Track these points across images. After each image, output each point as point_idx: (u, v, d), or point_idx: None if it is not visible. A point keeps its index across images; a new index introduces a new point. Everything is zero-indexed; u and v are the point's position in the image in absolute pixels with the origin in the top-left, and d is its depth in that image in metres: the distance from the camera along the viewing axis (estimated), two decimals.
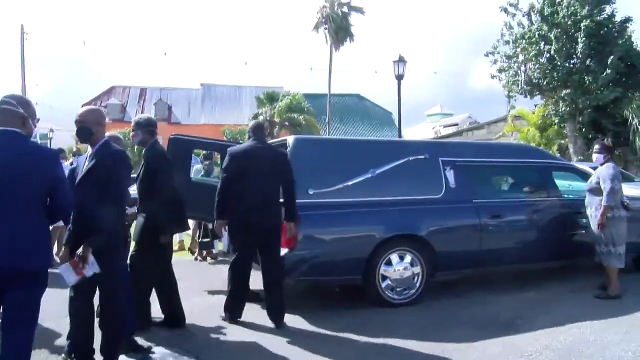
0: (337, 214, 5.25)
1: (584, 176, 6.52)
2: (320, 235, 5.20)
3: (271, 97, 34.53)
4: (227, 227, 5.02)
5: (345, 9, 28.58)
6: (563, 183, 6.92)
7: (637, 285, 6.06)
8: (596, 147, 6.00)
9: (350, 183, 5.36)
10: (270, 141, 6.10)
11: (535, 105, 18.43)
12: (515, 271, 6.49)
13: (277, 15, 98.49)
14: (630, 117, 15.03)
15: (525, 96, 17.65)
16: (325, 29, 28.34)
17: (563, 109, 16.30)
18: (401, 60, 14.38)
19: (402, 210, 5.46)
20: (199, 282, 6.66)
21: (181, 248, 9.32)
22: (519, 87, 17.30)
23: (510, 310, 5.21)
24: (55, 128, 36.48)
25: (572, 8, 15.79)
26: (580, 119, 16.58)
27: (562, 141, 17.86)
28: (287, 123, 33.10)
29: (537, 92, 17.24)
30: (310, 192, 5.19)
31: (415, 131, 46.21)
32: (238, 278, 4.82)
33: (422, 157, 5.76)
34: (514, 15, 17.36)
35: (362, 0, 54.14)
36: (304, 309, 5.36)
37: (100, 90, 42.93)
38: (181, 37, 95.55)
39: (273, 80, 64.42)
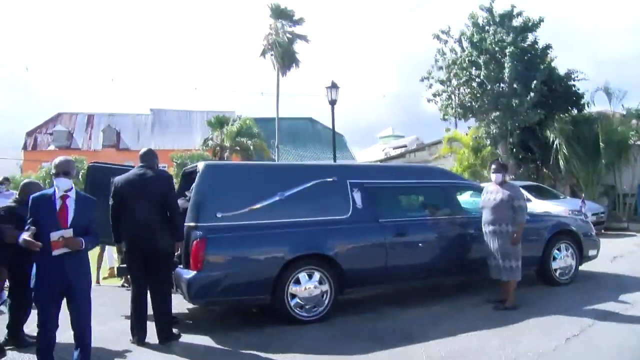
0: (244, 235, 5.45)
1: None
2: (227, 257, 5.38)
3: (221, 122, 34.63)
4: None
5: (290, 36, 29.18)
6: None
7: (534, 296, 6.48)
8: (493, 166, 6.40)
9: (258, 206, 5.59)
10: (187, 167, 6.32)
11: (469, 127, 19.25)
12: (426, 286, 6.86)
13: (227, 41, 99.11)
14: (553, 138, 15.93)
15: (459, 119, 18.45)
16: (272, 55, 28.82)
17: (494, 130, 17.10)
18: (334, 86, 14.87)
19: (309, 231, 5.72)
20: (119, 307, 6.69)
21: (111, 275, 9.27)
22: (453, 111, 18.07)
23: (412, 323, 5.51)
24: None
25: (499, 35, 16.72)
26: (511, 140, 17.43)
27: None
28: (237, 147, 33.26)
29: (470, 115, 18.04)
30: (219, 215, 5.39)
31: (368, 153, 47.13)
32: (133, 300, 5.00)
33: (331, 179, 6.06)
34: (446, 42, 18.23)
35: (308, 29, 55.54)
36: (214, 329, 5.52)
37: (46, 116, 41.93)
38: (129, 63, 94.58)
39: (224, 104, 64.61)
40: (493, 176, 6.37)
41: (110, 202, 5.13)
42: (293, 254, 5.52)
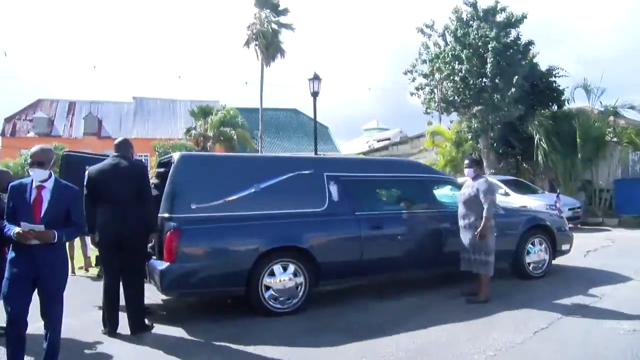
0: (219, 227, 5.43)
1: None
2: (201, 249, 5.36)
3: (205, 111, 34.38)
4: None
5: (275, 26, 28.99)
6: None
7: (507, 290, 6.57)
8: (466, 161, 6.46)
9: (233, 197, 5.57)
10: (163, 157, 6.27)
11: (451, 121, 19.39)
12: (402, 279, 6.93)
13: (211, 29, 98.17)
14: (534, 133, 16.11)
15: (442, 113, 18.56)
16: (256, 45, 28.61)
17: (475, 125, 17.25)
18: (316, 77, 14.84)
19: (284, 223, 5.72)
20: (92, 297, 6.64)
21: (88, 265, 9.18)
22: (436, 104, 18.17)
23: (386, 316, 5.56)
24: None
25: (482, 30, 16.81)
26: (492, 134, 17.59)
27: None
28: (221, 137, 33.06)
29: (452, 109, 18.16)
30: (193, 206, 5.36)
31: (352, 145, 47.21)
32: (106, 291, 4.97)
33: (307, 172, 6.06)
34: (430, 35, 18.29)
35: (293, 18, 55.05)
36: (188, 320, 5.52)
37: (26, 102, 41.19)
38: (112, 50, 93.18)
39: (208, 94, 64.14)
40: (466, 171, 6.44)
41: (84, 192, 5.06)
42: (267, 246, 5.51)
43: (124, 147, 5.22)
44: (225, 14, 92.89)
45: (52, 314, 3.82)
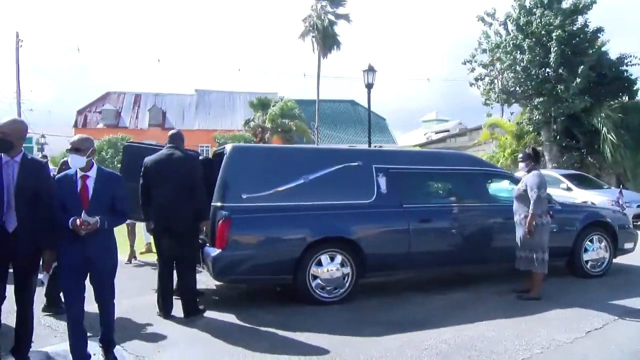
0: (268, 216, 5.58)
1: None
2: (251, 237, 5.54)
3: (263, 103, 34.98)
4: None
5: (331, 17, 28.99)
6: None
7: (561, 288, 6.37)
8: (520, 155, 6.29)
9: (282, 188, 5.70)
10: (217, 149, 6.50)
11: (512, 113, 18.78)
12: (450, 273, 6.85)
13: (270, 22, 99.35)
14: (600, 126, 15.35)
15: (502, 104, 18.00)
16: (313, 37, 28.74)
17: (537, 117, 16.63)
18: (371, 69, 14.74)
19: (332, 214, 5.79)
20: (151, 281, 6.99)
21: (148, 250, 9.59)
22: (496, 95, 17.64)
23: (431, 310, 5.53)
24: (52, 134, 36.90)
25: (546, 18, 16.14)
26: (555, 127, 16.91)
27: (539, 148, 18.13)
28: (278, 129, 33.57)
29: (513, 100, 17.58)
30: (244, 196, 5.54)
31: (410, 137, 46.63)
32: (160, 276, 5.24)
33: (356, 164, 6.10)
34: (491, 24, 17.74)
35: (350, 8, 54.50)
36: (239, 306, 5.73)
37: (96, 95, 43.39)
38: (175, 44, 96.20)
39: (267, 86, 65.06)
40: (519, 165, 6.28)
41: (140, 181, 5.33)
42: (315, 236, 5.61)
43: (178, 138, 5.44)
44: (283, 6, 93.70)
45: (105, 298, 3.99)
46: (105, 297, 4.00)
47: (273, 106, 33.88)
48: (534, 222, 5.79)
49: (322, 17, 28.48)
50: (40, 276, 4.05)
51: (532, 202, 5.80)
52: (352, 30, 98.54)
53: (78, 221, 3.70)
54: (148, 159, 5.37)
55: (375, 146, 36.17)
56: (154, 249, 9.38)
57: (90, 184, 3.90)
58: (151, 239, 9.71)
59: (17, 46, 30.03)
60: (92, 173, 3.93)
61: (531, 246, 5.90)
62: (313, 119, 34.17)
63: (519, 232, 6.02)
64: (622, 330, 4.84)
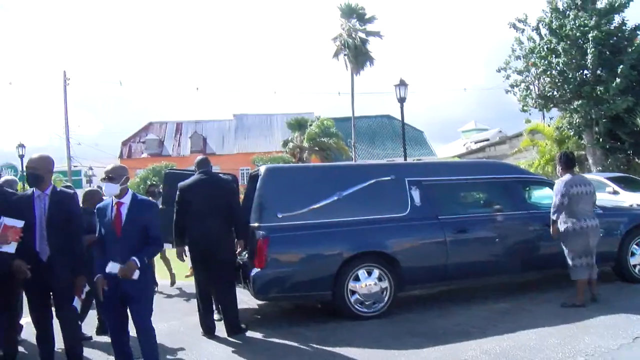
0: (304, 234, 5.71)
1: None
2: (288, 255, 5.67)
3: (300, 124, 35.53)
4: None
5: (362, 35, 29.28)
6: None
7: (608, 293, 6.19)
8: (555, 159, 6.21)
9: (317, 206, 5.82)
10: (253, 171, 6.71)
11: (551, 118, 18.38)
12: (492, 284, 6.76)
13: (303, 43, 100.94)
14: None
15: (540, 110, 17.66)
16: (345, 55, 29.07)
17: (577, 120, 16.24)
18: (402, 83, 14.80)
19: (366, 229, 5.87)
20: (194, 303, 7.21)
21: (192, 273, 9.74)
22: (533, 101, 17.33)
23: (472, 321, 5.49)
24: (99, 165, 38.43)
25: (580, 19, 15.84)
26: (597, 129, 16.45)
27: (581, 152, 17.69)
28: (316, 148, 33.94)
29: (551, 105, 17.23)
30: (279, 215, 5.69)
31: (449, 148, 46.14)
32: (200, 297, 5.45)
33: (389, 178, 6.17)
34: (523, 30, 17.52)
35: (381, 24, 54.83)
36: (280, 324, 5.85)
37: (139, 126, 45.05)
38: (213, 72, 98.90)
39: (303, 106, 65.97)
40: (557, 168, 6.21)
41: (176, 207, 5.56)
42: (351, 251, 5.69)
43: (206, 164, 5.68)
44: (315, 27, 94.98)
45: (142, 327, 3.98)
46: (142, 323, 3.98)
47: (310, 125, 34.35)
48: (557, 229, 5.82)
49: (353, 35, 28.82)
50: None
51: (552, 208, 5.84)
52: (385, 45, 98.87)
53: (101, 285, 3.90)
54: (182, 185, 5.56)
55: (414, 159, 36.04)
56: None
57: (124, 210, 3.98)
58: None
59: (64, 84, 31.68)
60: (126, 200, 4.01)
61: (584, 251, 5.81)
62: (350, 136, 34.35)
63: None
64: None
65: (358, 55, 28.58)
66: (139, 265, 3.85)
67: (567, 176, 5.87)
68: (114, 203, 4.03)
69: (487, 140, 37.68)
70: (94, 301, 6.79)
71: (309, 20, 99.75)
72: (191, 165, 9.64)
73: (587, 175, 13.59)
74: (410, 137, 44.94)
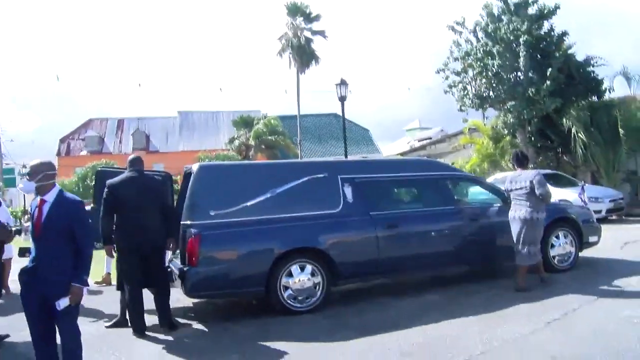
0: (237, 232, 5.74)
1: (484, 186, 7.16)
2: (221, 253, 5.68)
3: (247, 122, 35.23)
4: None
5: (307, 34, 29.43)
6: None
7: (530, 283, 6.52)
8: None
9: (250, 203, 5.86)
10: (187, 168, 6.66)
11: (487, 118, 19.15)
12: (425, 277, 7.01)
13: (249, 40, 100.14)
14: (570, 126, 15.72)
15: (477, 109, 18.36)
16: (290, 53, 29.13)
17: (511, 120, 16.98)
18: (343, 82, 15.06)
19: (299, 225, 5.96)
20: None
21: (107, 280, 8.64)
22: (470, 101, 17.98)
23: (402, 312, 5.69)
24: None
25: (514, 24, 16.57)
26: (529, 128, 17.27)
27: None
28: (263, 146, 33.80)
29: (487, 105, 17.95)
30: (212, 213, 5.69)
31: (394, 146, 47.05)
32: (131, 294, 5.38)
33: (322, 175, 6.28)
34: (461, 33, 18.15)
35: (326, 24, 55.22)
36: (214, 320, 5.88)
37: (78, 123, 43.43)
38: (155, 68, 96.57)
39: (250, 104, 65.51)
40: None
41: (103, 204, 5.44)
42: (283, 247, 5.77)
43: (139, 163, 5.64)
44: (261, 24, 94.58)
45: (68, 330, 3.72)
46: (70, 334, 3.71)
47: (256, 124, 34.16)
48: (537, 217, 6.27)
49: (299, 34, 28.91)
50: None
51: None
52: (331, 45, 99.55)
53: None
54: (111, 182, 5.48)
55: (361, 157, 36.50)
56: (113, 281, 8.02)
57: (46, 209, 3.71)
58: (112, 269, 8.81)
59: None
60: (49, 198, 3.74)
61: (534, 240, 6.28)
62: (296, 134, 34.43)
63: (518, 229, 6.31)
64: (580, 318, 5.04)
65: (303, 54, 28.69)
66: (83, 288, 3.63)
67: (511, 173, 6.30)
68: (37, 201, 3.80)
69: (430, 138, 38.73)
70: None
71: (254, 17, 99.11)
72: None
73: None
74: (356, 135, 45.67)
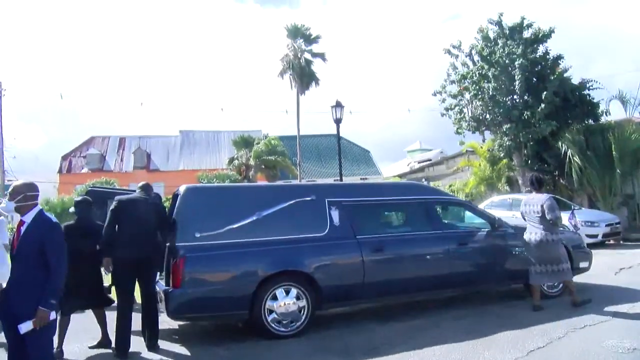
0: (222, 254, 5.72)
1: (472, 210, 7.15)
2: (205, 275, 5.66)
3: (247, 141, 35.36)
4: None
5: (307, 56, 29.71)
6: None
7: (518, 309, 6.51)
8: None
9: (235, 225, 5.86)
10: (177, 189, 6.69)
11: (484, 140, 19.19)
12: (411, 301, 6.97)
13: (251, 61, 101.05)
14: (565, 149, 15.75)
15: (473, 132, 18.43)
16: (290, 74, 29.39)
17: (507, 143, 17.03)
18: (338, 105, 15.17)
19: (285, 248, 5.94)
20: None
21: None
22: (467, 124, 18.07)
23: (386, 337, 5.64)
24: (39, 180, 36.84)
25: (509, 48, 16.73)
26: (525, 151, 17.30)
27: (512, 173, 18.54)
28: (263, 166, 33.87)
29: (483, 128, 18.01)
30: (197, 235, 5.69)
31: (394, 168, 47.12)
32: (122, 313, 5.42)
33: (309, 198, 6.29)
34: (457, 56, 18.33)
35: (326, 46, 55.77)
36: (198, 343, 5.82)
37: (80, 140, 43.57)
38: (157, 87, 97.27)
39: (251, 124, 65.79)
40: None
41: (109, 216, 5.59)
42: (268, 270, 5.75)
43: (148, 189, 5.99)
44: (263, 45, 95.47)
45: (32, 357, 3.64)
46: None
47: (257, 144, 34.27)
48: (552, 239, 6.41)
49: (299, 55, 29.18)
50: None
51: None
52: (331, 66, 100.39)
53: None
54: (121, 198, 5.78)
55: (360, 179, 36.50)
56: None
57: (23, 229, 3.71)
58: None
59: None
60: (27, 219, 3.72)
61: (556, 260, 6.41)
62: (296, 155, 34.50)
63: (532, 250, 6.49)
64: (564, 346, 4.99)
65: (303, 76, 28.93)
66: (49, 312, 3.55)
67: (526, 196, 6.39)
68: (19, 222, 3.83)
69: (429, 160, 38.80)
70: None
71: (256, 39, 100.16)
72: (133, 182, 9.57)
73: (517, 195, 14.30)
74: (357, 156, 45.86)
